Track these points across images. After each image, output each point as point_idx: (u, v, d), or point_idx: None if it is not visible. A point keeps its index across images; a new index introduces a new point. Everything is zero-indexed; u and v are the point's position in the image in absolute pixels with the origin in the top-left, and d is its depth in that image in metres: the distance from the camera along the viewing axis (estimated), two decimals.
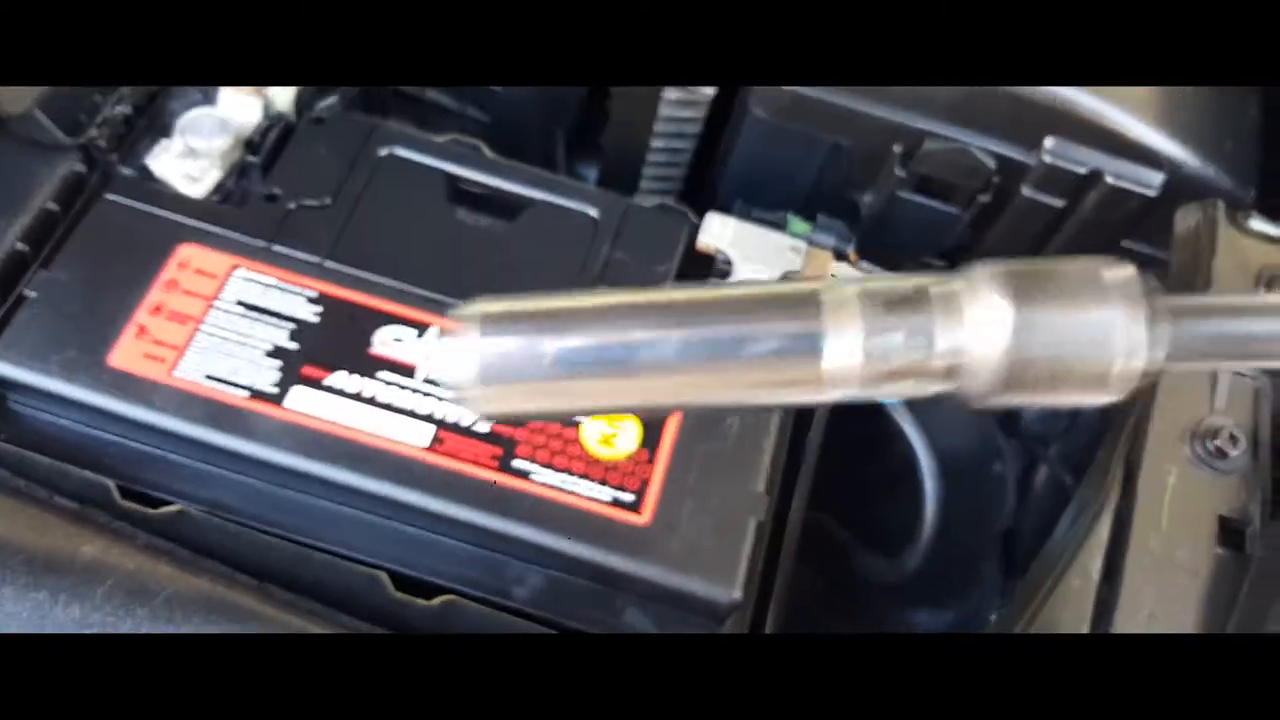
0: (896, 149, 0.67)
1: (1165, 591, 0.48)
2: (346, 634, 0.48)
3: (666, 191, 0.75)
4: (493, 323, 0.30)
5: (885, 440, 0.71)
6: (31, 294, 0.56)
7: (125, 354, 0.55)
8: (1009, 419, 0.77)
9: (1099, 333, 0.28)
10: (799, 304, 0.28)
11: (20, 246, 0.58)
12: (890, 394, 0.28)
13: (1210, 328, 0.29)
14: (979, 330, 0.28)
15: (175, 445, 0.55)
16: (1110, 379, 0.28)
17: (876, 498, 0.75)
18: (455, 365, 0.31)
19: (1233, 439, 0.50)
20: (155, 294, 0.57)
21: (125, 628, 0.44)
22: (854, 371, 0.28)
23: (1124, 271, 0.28)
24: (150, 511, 0.53)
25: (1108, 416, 0.68)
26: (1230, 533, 0.49)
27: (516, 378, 0.29)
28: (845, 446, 0.64)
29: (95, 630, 0.44)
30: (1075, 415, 0.75)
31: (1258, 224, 0.57)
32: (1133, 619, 0.47)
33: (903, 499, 0.72)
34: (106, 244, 0.59)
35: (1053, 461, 0.73)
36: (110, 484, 0.54)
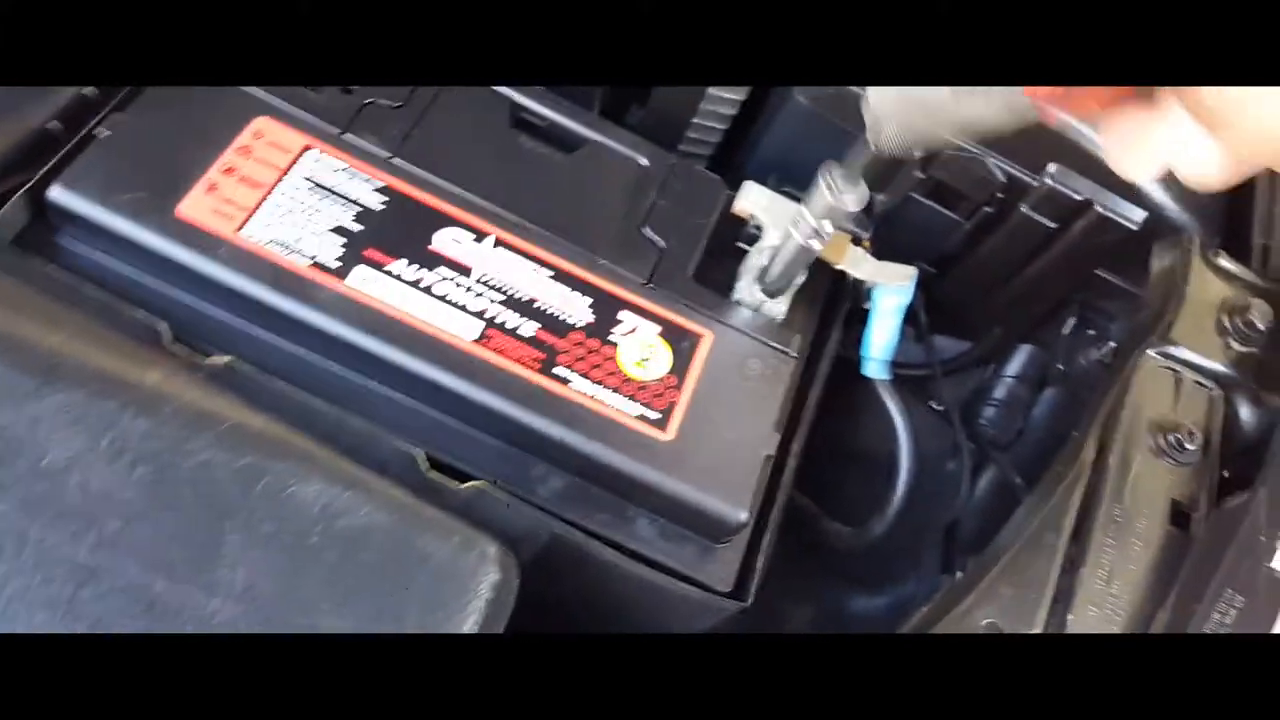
0: (918, 154, 0.72)
1: (1123, 554, 0.54)
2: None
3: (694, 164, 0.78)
4: None
5: (862, 416, 0.76)
6: (104, 133, 0.57)
7: (194, 206, 0.56)
8: (967, 422, 0.83)
9: None
10: None
11: (87, 90, 0.58)
12: None
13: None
14: None
15: (232, 303, 0.56)
16: None
17: (843, 469, 0.79)
18: None
19: (1190, 435, 0.56)
20: (229, 156, 0.58)
21: (192, 447, 0.45)
22: None
23: None
24: (200, 359, 0.54)
25: (1059, 434, 0.74)
26: (1179, 515, 0.55)
27: None
28: (823, 415, 0.69)
29: (162, 445, 0.45)
30: (1025, 427, 0.81)
31: (1225, 262, 0.64)
32: (1094, 574, 0.53)
33: (866, 475, 0.76)
34: (184, 100, 0.59)
35: (1003, 464, 0.79)
36: (163, 326, 0.54)
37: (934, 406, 0.85)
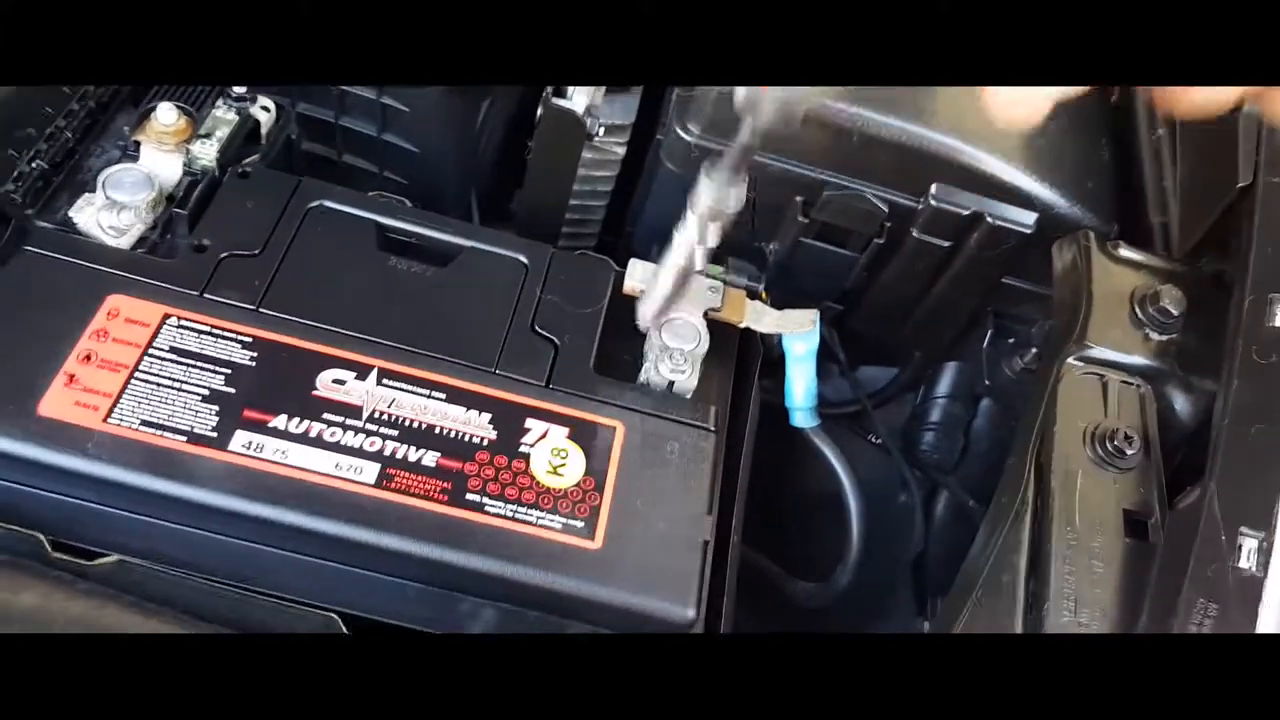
0: (798, 199, 0.69)
1: (1084, 580, 0.50)
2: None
3: (582, 248, 0.75)
4: None
5: (803, 466, 0.73)
6: None
7: (55, 403, 0.51)
8: (909, 451, 0.79)
9: None
10: None
11: None
12: None
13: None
14: None
15: (110, 494, 0.51)
16: None
17: (797, 524, 0.76)
18: None
19: (1128, 439, 0.53)
20: (84, 343, 0.53)
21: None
22: None
23: None
24: (85, 564, 0.49)
25: (1002, 444, 0.71)
26: (1134, 524, 0.52)
27: None
28: (764, 473, 0.65)
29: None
30: (968, 444, 0.78)
31: (1126, 252, 0.61)
32: (1059, 606, 0.49)
33: (821, 524, 0.72)
34: (29, 295, 0.55)
35: (953, 487, 0.76)
36: (41, 537, 0.49)
37: (873, 440, 0.81)
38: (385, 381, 0.56)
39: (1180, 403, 0.56)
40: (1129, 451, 0.53)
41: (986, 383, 0.74)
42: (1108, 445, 0.53)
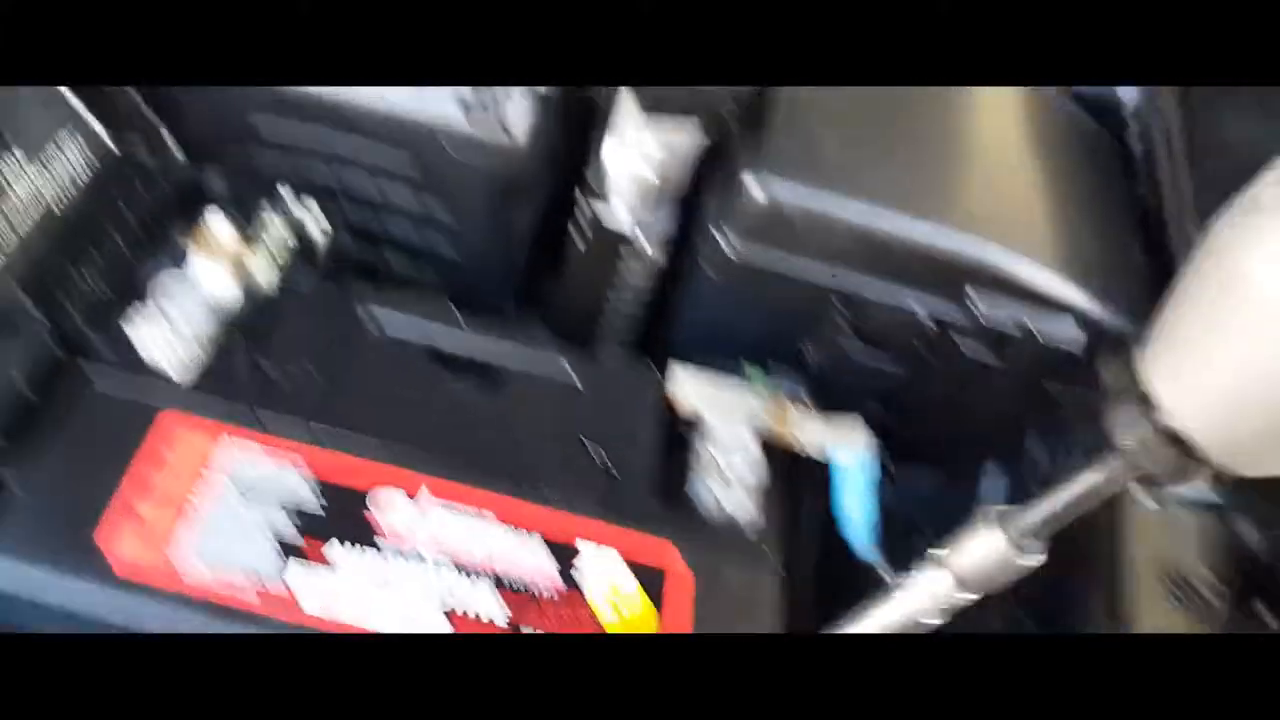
0: (836, 302, 0.68)
1: None
2: None
3: (620, 346, 0.74)
4: None
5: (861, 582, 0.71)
6: (14, 489, 0.50)
7: (110, 534, 0.50)
8: None
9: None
10: None
11: None
12: None
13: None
14: None
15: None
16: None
17: None
18: None
19: (1204, 579, 0.52)
20: (138, 468, 0.52)
21: None
22: None
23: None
24: None
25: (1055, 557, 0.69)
26: None
27: None
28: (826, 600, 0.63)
29: None
30: None
31: None
32: None
33: None
34: (81, 418, 0.54)
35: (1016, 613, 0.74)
36: None
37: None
38: (440, 510, 0.54)
39: (1250, 535, 0.54)
40: (1204, 591, 0.51)
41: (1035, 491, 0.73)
42: (1179, 584, 0.51)
